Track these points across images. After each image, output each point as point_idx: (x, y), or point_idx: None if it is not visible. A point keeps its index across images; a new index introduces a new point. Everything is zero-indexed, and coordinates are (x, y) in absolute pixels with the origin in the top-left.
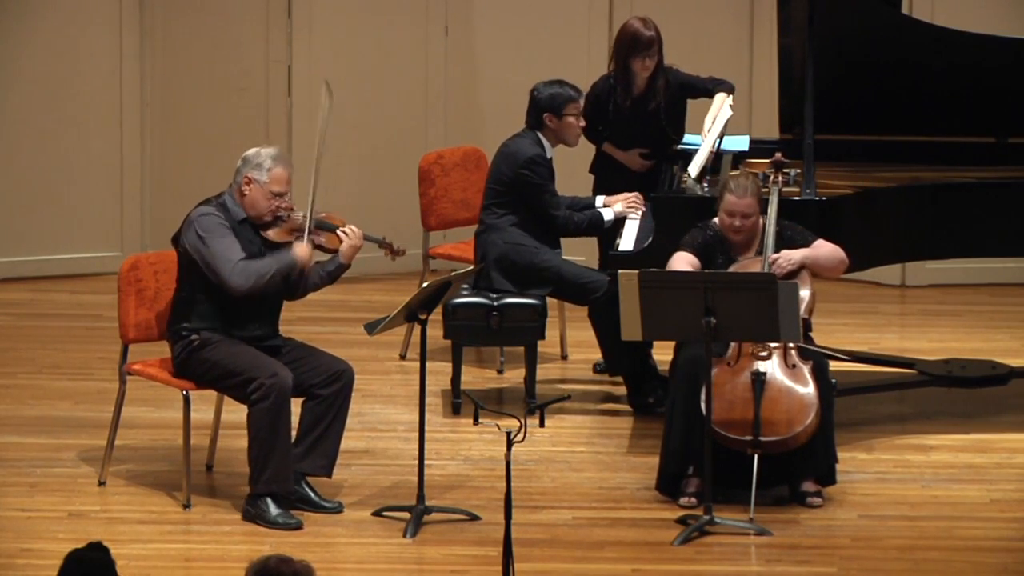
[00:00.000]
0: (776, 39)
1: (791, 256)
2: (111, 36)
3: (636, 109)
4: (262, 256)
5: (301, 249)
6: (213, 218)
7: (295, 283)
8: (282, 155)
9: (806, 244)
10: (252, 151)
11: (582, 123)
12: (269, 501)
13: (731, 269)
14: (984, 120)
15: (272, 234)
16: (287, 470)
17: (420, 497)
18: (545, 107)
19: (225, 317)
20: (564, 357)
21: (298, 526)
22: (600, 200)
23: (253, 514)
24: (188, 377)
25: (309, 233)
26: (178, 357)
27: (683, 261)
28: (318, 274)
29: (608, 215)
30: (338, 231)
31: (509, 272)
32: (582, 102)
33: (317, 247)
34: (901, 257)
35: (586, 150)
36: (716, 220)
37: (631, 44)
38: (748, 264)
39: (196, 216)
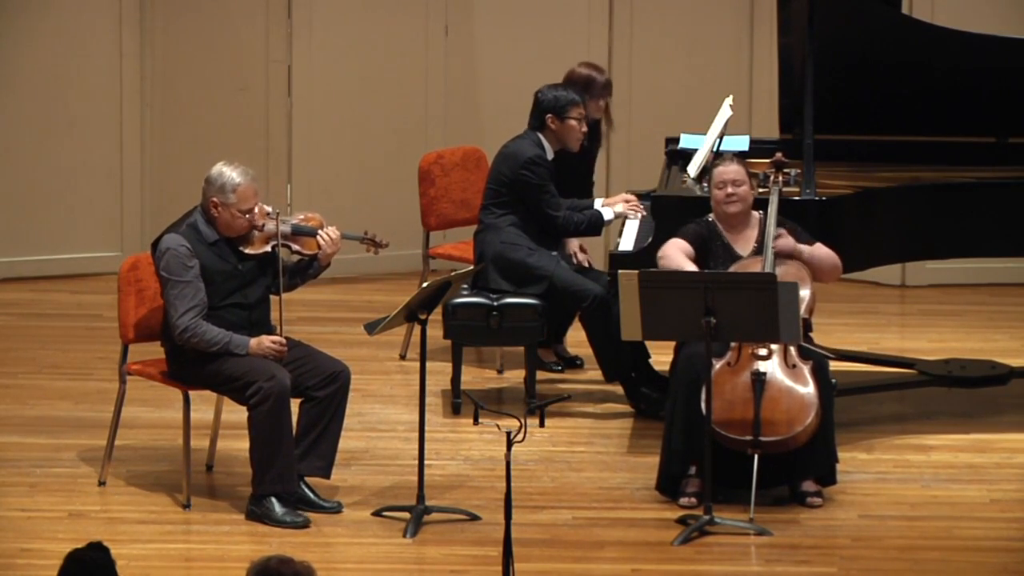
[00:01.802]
0: (776, 39)
1: (788, 239)
2: (111, 36)
3: (580, 154)
4: (236, 272)
5: (256, 347)
6: (177, 255)
7: (268, 288)
8: (244, 171)
9: (805, 243)
10: (215, 171)
11: (584, 127)
12: (274, 500)
13: (731, 269)
14: (984, 120)
15: (249, 249)
16: (291, 470)
17: (420, 497)
18: (548, 108)
19: (214, 324)
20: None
21: (305, 524)
22: (599, 201)
23: (259, 514)
24: (184, 381)
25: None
26: (171, 365)
27: (676, 248)
28: (299, 276)
29: (608, 214)
30: (317, 235)
31: (505, 270)
32: (584, 107)
33: (295, 253)
34: (901, 257)
35: None
36: (710, 216)
37: (586, 86)
38: (748, 264)
39: (166, 248)
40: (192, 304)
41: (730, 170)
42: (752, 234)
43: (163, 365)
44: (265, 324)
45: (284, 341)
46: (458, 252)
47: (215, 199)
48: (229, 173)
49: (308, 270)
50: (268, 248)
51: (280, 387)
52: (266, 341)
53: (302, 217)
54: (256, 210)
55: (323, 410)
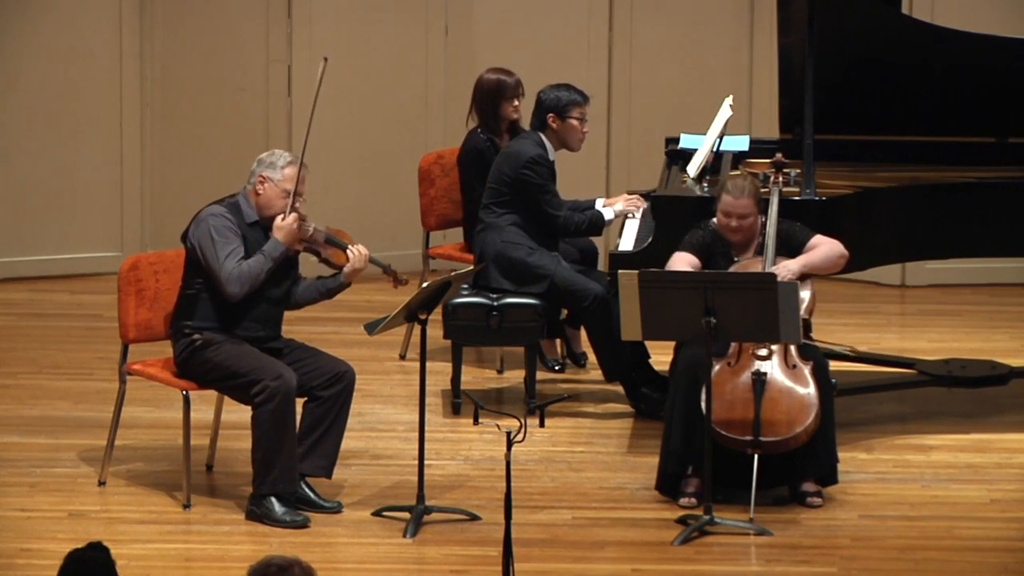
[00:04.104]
0: (776, 39)
1: (789, 267)
2: (111, 36)
3: None
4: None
5: (283, 231)
6: (223, 220)
7: (289, 290)
8: (296, 157)
9: (804, 241)
10: (267, 152)
11: (586, 128)
12: (274, 500)
13: (731, 269)
14: (984, 120)
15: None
16: (292, 471)
17: (420, 497)
18: (550, 108)
19: (228, 317)
20: (564, 357)
21: (305, 523)
22: (600, 202)
23: (258, 514)
24: (190, 376)
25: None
26: (180, 356)
27: (683, 262)
28: (317, 290)
29: (609, 214)
30: (347, 250)
31: (506, 269)
32: (587, 108)
33: (323, 261)
34: (901, 257)
35: (588, 154)
36: (714, 220)
37: (497, 90)
38: (748, 264)
39: (207, 215)
40: (238, 263)
41: (739, 204)
42: (753, 243)
43: (164, 365)
44: (276, 327)
45: (295, 215)
46: (458, 252)
47: (263, 174)
48: (281, 152)
49: (330, 283)
50: (300, 248)
51: (286, 386)
52: (288, 220)
53: (336, 230)
54: (300, 200)
55: (327, 410)
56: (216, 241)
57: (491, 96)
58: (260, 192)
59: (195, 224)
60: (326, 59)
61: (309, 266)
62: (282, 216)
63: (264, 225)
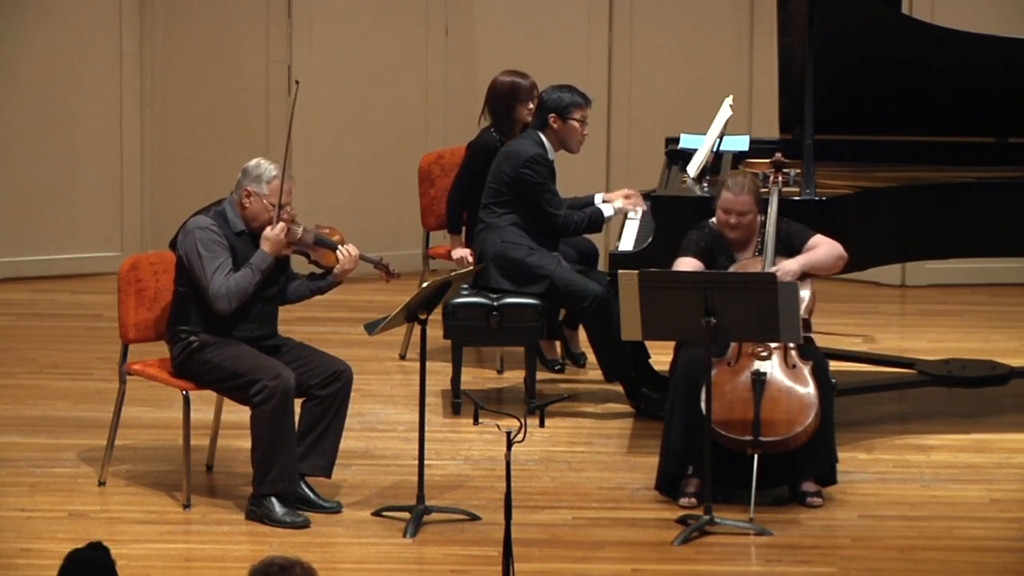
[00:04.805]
0: (776, 39)
1: (788, 267)
2: (111, 36)
3: None
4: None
5: (270, 243)
6: (210, 233)
7: (283, 287)
8: (280, 166)
9: (804, 241)
10: (252, 163)
11: (586, 131)
12: (274, 500)
13: (731, 269)
14: (984, 120)
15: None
16: (292, 470)
17: (420, 497)
18: (551, 108)
19: (224, 318)
20: (563, 358)
21: (305, 524)
22: (599, 197)
23: (259, 514)
24: (188, 378)
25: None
26: (177, 359)
27: (687, 267)
28: (308, 287)
29: (608, 211)
30: (337, 251)
31: (506, 270)
32: (588, 110)
33: (312, 263)
34: (901, 257)
35: (588, 154)
36: (713, 220)
37: (512, 93)
38: (748, 264)
39: (194, 227)
40: (227, 278)
41: (739, 201)
42: (752, 241)
43: (163, 365)
44: (272, 325)
45: (282, 225)
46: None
47: (249, 188)
48: (266, 165)
49: (320, 282)
50: (288, 252)
51: (285, 386)
52: (276, 231)
53: (326, 230)
54: (287, 209)
55: (325, 409)
56: (203, 256)
57: (505, 98)
58: (247, 205)
59: (183, 234)
60: (298, 82)
61: (306, 263)
62: (270, 227)
63: (252, 234)
